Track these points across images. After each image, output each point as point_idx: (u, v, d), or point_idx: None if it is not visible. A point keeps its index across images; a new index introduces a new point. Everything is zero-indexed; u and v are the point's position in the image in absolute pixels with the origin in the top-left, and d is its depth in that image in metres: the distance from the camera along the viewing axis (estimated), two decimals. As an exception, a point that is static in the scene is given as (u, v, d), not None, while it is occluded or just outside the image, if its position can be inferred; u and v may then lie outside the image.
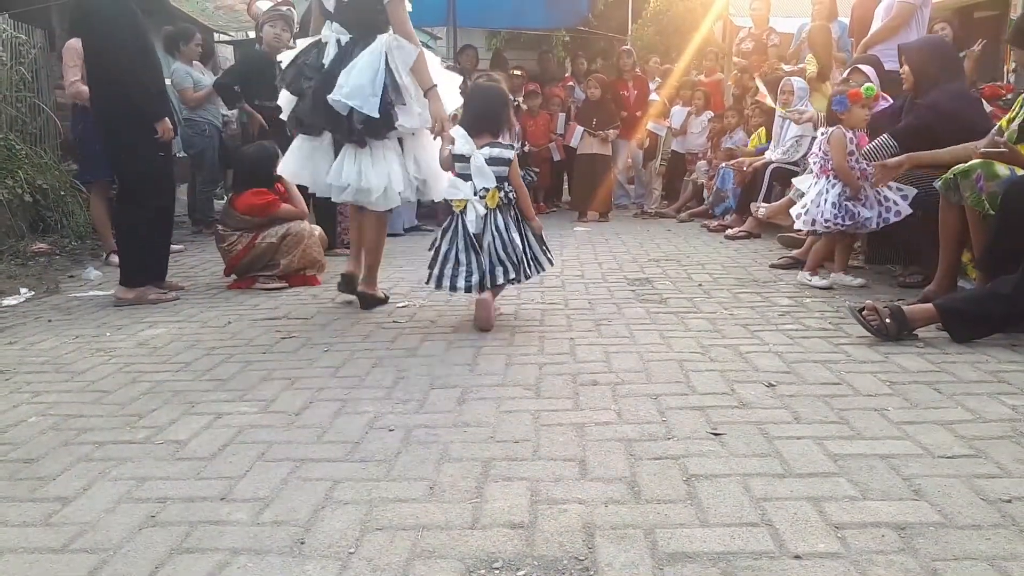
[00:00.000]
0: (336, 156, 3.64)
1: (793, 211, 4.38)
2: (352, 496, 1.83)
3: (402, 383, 2.65)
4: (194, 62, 6.59)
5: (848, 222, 4.00)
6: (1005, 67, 6.89)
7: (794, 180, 4.99)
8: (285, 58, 3.73)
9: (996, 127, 3.52)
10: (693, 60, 9.29)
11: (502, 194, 3.36)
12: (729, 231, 6.15)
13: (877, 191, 3.97)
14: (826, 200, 4.05)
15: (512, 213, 3.43)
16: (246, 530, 1.69)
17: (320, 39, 3.58)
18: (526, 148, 7.60)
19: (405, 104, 3.48)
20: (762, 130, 6.81)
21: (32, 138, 6.44)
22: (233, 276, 4.51)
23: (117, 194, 4.28)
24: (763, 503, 1.73)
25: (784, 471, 1.89)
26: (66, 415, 2.44)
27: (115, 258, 4.81)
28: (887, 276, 4.32)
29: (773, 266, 4.73)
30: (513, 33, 11.29)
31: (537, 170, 7.50)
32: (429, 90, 3.46)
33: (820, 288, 4.01)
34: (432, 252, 3.45)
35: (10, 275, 4.82)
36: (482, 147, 3.38)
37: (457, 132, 3.43)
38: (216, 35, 10.82)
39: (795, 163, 5.89)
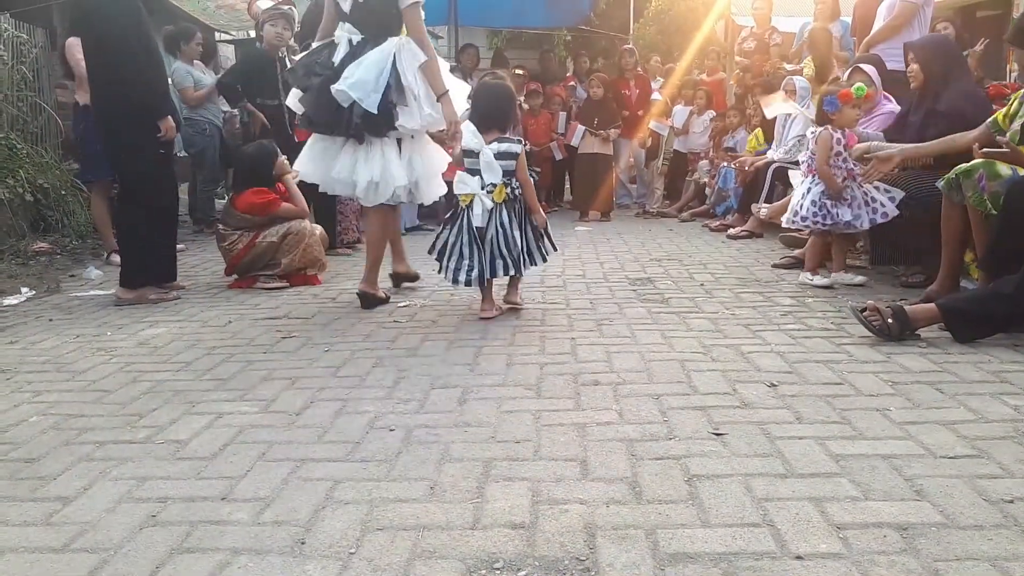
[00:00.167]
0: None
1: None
2: (353, 496, 1.82)
3: (403, 383, 2.65)
4: (195, 61, 6.59)
5: (828, 222, 4.03)
6: (1008, 67, 6.88)
7: (791, 173, 5.01)
8: (299, 59, 3.80)
9: (990, 120, 3.51)
10: (695, 59, 9.28)
11: (508, 189, 3.47)
12: (731, 231, 6.15)
13: (865, 191, 3.99)
14: (806, 198, 4.11)
15: (516, 208, 3.53)
16: (247, 530, 1.68)
17: (333, 40, 3.63)
18: (527, 147, 7.58)
19: (407, 106, 3.52)
20: (759, 131, 6.81)
21: (33, 137, 6.44)
22: (234, 276, 4.51)
23: (118, 194, 4.28)
24: (765, 503, 1.73)
25: (786, 471, 1.89)
26: (67, 415, 2.44)
27: (116, 257, 4.81)
28: (890, 276, 4.31)
29: (775, 266, 4.72)
30: (514, 32, 11.29)
31: (539, 169, 7.46)
32: (442, 95, 3.56)
33: (821, 287, 4.01)
34: (436, 243, 3.59)
35: (11, 274, 4.82)
36: (490, 142, 3.48)
37: (466, 128, 3.53)
38: (217, 34, 10.81)
39: (797, 162, 5.87)
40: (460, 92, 3.75)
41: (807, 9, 6.83)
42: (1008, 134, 3.35)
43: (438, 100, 3.57)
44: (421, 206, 6.67)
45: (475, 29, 10.65)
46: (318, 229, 4.71)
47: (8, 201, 5.54)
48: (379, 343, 3.18)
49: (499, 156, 3.47)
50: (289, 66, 5.42)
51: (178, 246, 5.79)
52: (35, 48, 6.72)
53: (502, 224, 3.48)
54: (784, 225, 4.45)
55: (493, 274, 3.51)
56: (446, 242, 3.56)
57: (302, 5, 6.46)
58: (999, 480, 1.81)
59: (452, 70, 4.18)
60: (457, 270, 3.50)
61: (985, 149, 3.34)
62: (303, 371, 2.83)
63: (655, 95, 8.10)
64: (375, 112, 3.46)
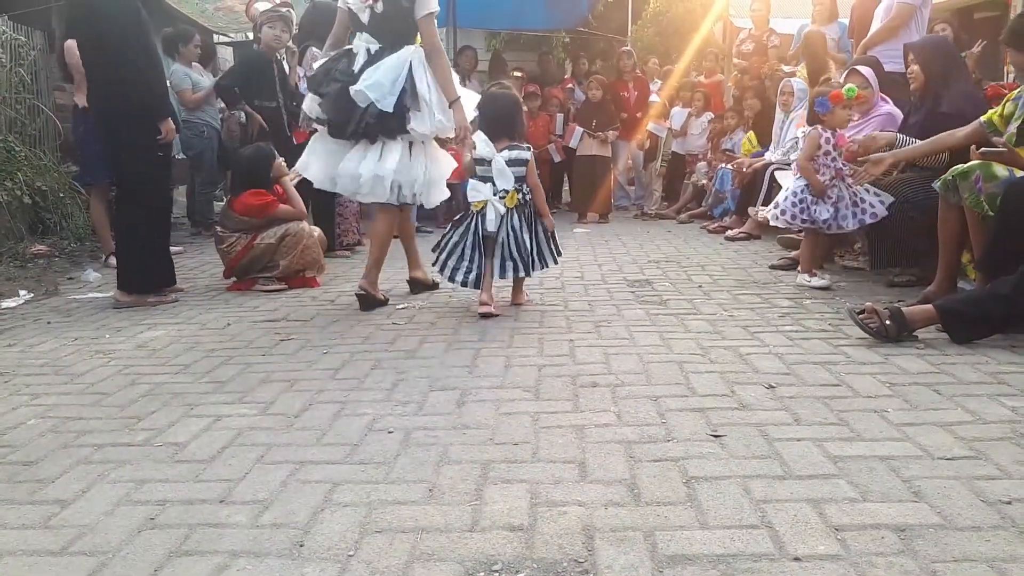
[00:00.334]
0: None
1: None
2: (351, 498, 1.82)
3: (401, 385, 2.65)
4: (193, 64, 6.59)
5: (806, 218, 4.09)
6: (1005, 68, 6.89)
7: (777, 174, 5.05)
8: (317, 66, 3.90)
9: (984, 120, 3.51)
10: (693, 61, 9.28)
11: (520, 195, 3.63)
12: (729, 232, 6.15)
13: (854, 192, 4.01)
14: (786, 197, 4.17)
15: (526, 213, 3.69)
16: (245, 532, 1.68)
17: (351, 49, 3.78)
18: (526, 149, 7.60)
19: (420, 111, 3.65)
20: (751, 134, 6.82)
21: (31, 140, 6.44)
22: (232, 278, 4.51)
23: (116, 195, 4.27)
24: (763, 505, 1.73)
25: (784, 473, 1.89)
26: (65, 417, 2.44)
27: (114, 260, 4.80)
28: (885, 277, 4.30)
29: (773, 267, 4.73)
30: (513, 34, 11.29)
31: (537, 172, 7.49)
32: (454, 102, 3.69)
33: (819, 289, 4.02)
34: (441, 241, 3.75)
35: (9, 277, 4.82)
36: (501, 150, 3.63)
37: (478, 137, 3.67)
38: (216, 36, 10.81)
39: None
40: (471, 100, 3.86)
41: (805, 11, 6.84)
42: (1005, 136, 3.36)
43: (450, 107, 3.69)
44: (421, 207, 6.69)
45: (474, 31, 10.64)
46: (316, 231, 4.70)
47: (6, 204, 5.54)
48: (378, 345, 3.18)
49: (510, 163, 3.61)
50: (288, 69, 5.45)
51: (177, 248, 5.82)
52: (33, 50, 6.72)
53: (513, 228, 3.63)
54: (767, 219, 4.51)
55: (503, 275, 3.68)
56: (450, 240, 3.70)
57: (300, 7, 6.48)
58: (996, 481, 1.82)
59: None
60: (456, 269, 3.66)
61: (982, 150, 3.34)
62: (302, 373, 2.83)
63: (653, 97, 8.11)
64: (390, 112, 3.58)
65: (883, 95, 4.54)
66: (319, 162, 3.88)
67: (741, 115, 7.22)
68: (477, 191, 3.62)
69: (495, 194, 3.60)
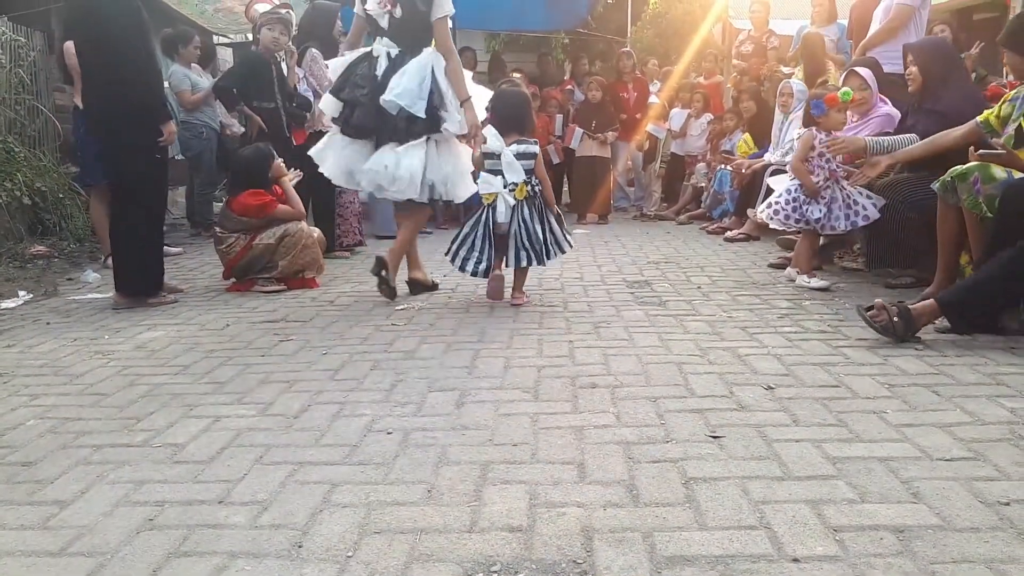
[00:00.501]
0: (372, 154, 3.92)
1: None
2: (350, 499, 1.82)
3: (400, 386, 2.65)
4: (193, 64, 6.59)
5: (798, 217, 4.13)
6: (1004, 69, 6.90)
7: (768, 180, 5.07)
8: (334, 67, 4.05)
9: (980, 120, 3.51)
10: (692, 62, 9.29)
11: (529, 188, 3.79)
12: (728, 233, 6.16)
13: (847, 194, 4.02)
14: (780, 197, 4.21)
15: (536, 204, 3.85)
16: (244, 533, 1.68)
17: (371, 52, 3.91)
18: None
19: (448, 111, 3.83)
20: (748, 136, 6.83)
21: (31, 141, 6.44)
22: (232, 279, 4.51)
23: (114, 196, 4.25)
24: (762, 506, 1.73)
25: (783, 474, 1.89)
26: (64, 418, 2.44)
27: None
28: (885, 278, 4.31)
29: (772, 266, 4.74)
30: (512, 35, 11.28)
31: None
32: (465, 101, 3.85)
33: (817, 289, 4.02)
34: (456, 235, 3.91)
35: (8, 278, 4.82)
36: (510, 144, 3.80)
37: (488, 132, 3.84)
38: (215, 38, 10.81)
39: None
40: (483, 96, 4.03)
41: (804, 12, 6.85)
42: (1003, 138, 3.36)
43: (461, 105, 3.85)
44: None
45: (473, 32, 10.62)
46: (316, 231, 4.70)
47: (6, 204, 5.54)
48: (377, 346, 3.18)
49: (519, 156, 3.78)
50: (287, 71, 5.45)
51: (176, 249, 5.83)
52: (33, 51, 6.71)
53: (523, 219, 3.79)
54: (763, 219, 4.54)
55: (517, 265, 3.85)
56: (461, 231, 3.89)
57: (300, 8, 6.47)
58: (995, 482, 1.82)
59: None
60: (466, 260, 3.83)
61: (981, 152, 3.35)
62: (301, 374, 2.83)
63: (652, 98, 8.11)
64: (423, 116, 3.75)
65: (882, 96, 4.54)
66: (336, 158, 4.00)
67: (740, 116, 7.22)
68: (489, 184, 3.77)
69: (505, 187, 3.74)
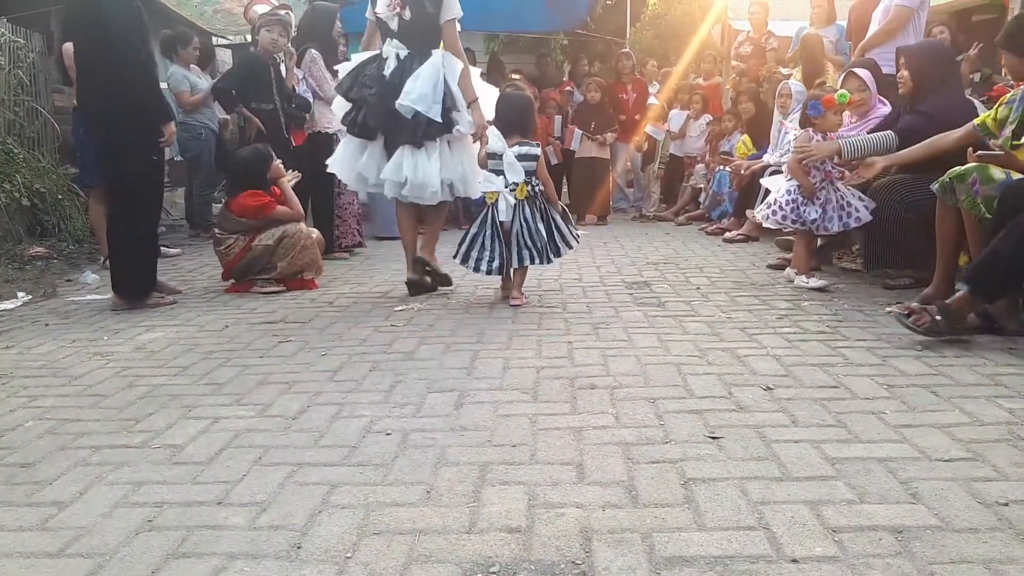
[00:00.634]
0: (387, 157, 4.01)
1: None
2: (349, 500, 1.82)
3: (399, 387, 2.65)
4: (192, 66, 6.59)
5: (795, 218, 4.14)
6: (1003, 70, 6.90)
7: (762, 180, 5.08)
8: (343, 68, 4.14)
9: (977, 123, 3.52)
10: (691, 64, 9.30)
11: (529, 188, 3.84)
12: (727, 234, 6.17)
13: (840, 196, 4.04)
14: (777, 198, 4.23)
15: (538, 204, 3.90)
16: (243, 534, 1.68)
17: (380, 53, 4.00)
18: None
19: (460, 112, 3.93)
20: (746, 137, 6.83)
21: (30, 142, 6.45)
22: (231, 280, 4.51)
23: (113, 197, 4.24)
24: (760, 507, 1.73)
25: (781, 475, 1.89)
26: (63, 419, 2.43)
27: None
28: (883, 279, 4.31)
29: (770, 267, 4.74)
30: (511, 36, 11.29)
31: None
32: (472, 102, 3.95)
33: (816, 289, 4.03)
34: (464, 237, 3.96)
35: (7, 279, 4.82)
36: (512, 145, 3.86)
37: (492, 132, 3.92)
38: (214, 39, 10.80)
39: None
40: (490, 96, 4.10)
41: (803, 13, 6.86)
42: (1000, 140, 3.37)
43: (468, 106, 3.94)
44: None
45: (472, 33, 10.60)
46: (315, 233, 4.70)
47: (5, 206, 5.54)
48: (376, 347, 3.18)
49: (520, 158, 3.83)
50: (286, 72, 5.45)
51: (175, 250, 5.83)
52: (32, 52, 6.72)
53: (526, 219, 3.84)
54: (759, 218, 4.56)
55: (520, 264, 3.88)
56: (468, 233, 3.94)
57: (299, 8, 6.48)
58: (994, 483, 1.82)
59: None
60: (479, 260, 3.87)
61: (979, 153, 3.35)
62: (300, 375, 2.83)
63: (652, 99, 8.11)
64: (439, 120, 3.85)
65: (881, 97, 4.55)
66: (351, 163, 4.10)
67: (739, 117, 7.22)
68: (490, 183, 3.85)
69: (506, 186, 3.80)
